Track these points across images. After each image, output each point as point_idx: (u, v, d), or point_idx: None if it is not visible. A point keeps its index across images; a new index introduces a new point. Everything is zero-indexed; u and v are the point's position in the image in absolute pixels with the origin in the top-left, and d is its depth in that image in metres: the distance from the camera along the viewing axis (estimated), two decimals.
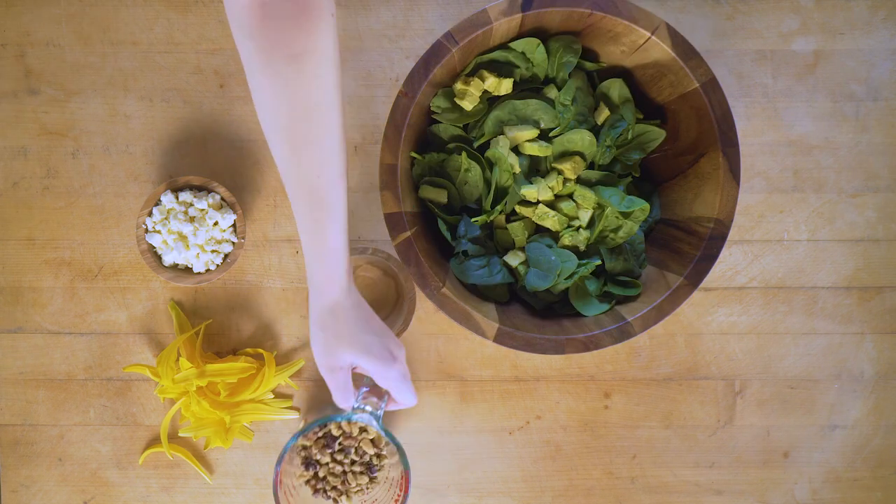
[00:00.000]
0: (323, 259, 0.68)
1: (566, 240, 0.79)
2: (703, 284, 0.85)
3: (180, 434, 0.82)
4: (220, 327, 0.85)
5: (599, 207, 0.78)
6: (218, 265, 0.83)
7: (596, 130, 0.79)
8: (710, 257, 0.73)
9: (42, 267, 0.85)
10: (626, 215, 0.79)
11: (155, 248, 0.82)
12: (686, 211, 0.77)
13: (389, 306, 0.85)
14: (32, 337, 0.85)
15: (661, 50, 0.73)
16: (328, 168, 0.65)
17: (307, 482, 0.78)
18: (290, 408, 0.85)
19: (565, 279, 0.78)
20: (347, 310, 0.70)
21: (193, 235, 0.81)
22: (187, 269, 0.83)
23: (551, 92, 0.78)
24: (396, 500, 0.74)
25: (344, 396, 0.73)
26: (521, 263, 0.78)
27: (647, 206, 0.78)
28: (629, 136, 0.79)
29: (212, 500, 0.86)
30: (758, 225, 0.86)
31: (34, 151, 0.85)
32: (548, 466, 0.86)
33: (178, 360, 0.82)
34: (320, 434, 0.78)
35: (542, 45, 0.77)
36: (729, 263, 0.86)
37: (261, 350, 0.84)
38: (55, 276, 0.85)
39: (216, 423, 0.82)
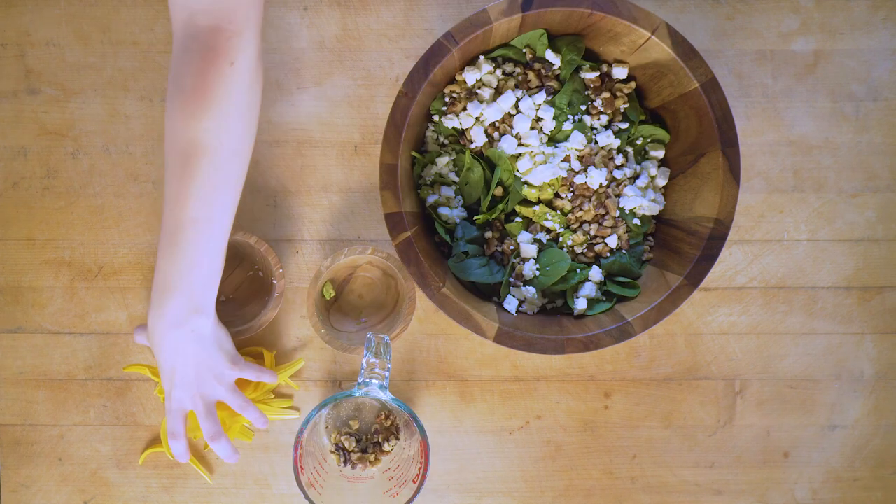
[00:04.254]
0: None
1: (566, 239, 0.79)
2: (703, 284, 0.85)
3: None
4: None
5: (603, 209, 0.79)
6: None
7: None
8: (710, 257, 0.73)
9: (42, 267, 0.85)
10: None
11: None
12: (686, 211, 0.77)
13: (389, 306, 0.85)
14: (32, 337, 0.85)
15: (661, 50, 0.73)
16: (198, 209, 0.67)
17: (332, 452, 0.83)
18: (290, 407, 0.85)
19: (566, 279, 0.78)
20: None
21: None
22: None
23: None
24: (419, 470, 0.76)
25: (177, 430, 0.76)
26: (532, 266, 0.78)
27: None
28: (634, 132, 0.79)
29: (212, 500, 0.86)
30: (758, 225, 0.86)
31: (34, 151, 0.85)
32: (548, 466, 0.86)
33: None
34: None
35: (545, 34, 0.77)
36: (729, 263, 0.86)
37: (261, 349, 0.84)
38: (55, 276, 0.85)
39: None
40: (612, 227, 0.78)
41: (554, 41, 0.78)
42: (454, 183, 0.79)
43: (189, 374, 0.73)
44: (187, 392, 0.74)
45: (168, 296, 0.70)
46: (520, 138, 0.78)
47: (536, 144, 0.78)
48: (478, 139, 0.78)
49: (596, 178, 0.77)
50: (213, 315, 0.73)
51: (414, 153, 0.79)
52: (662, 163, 0.81)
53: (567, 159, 0.78)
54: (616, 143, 0.79)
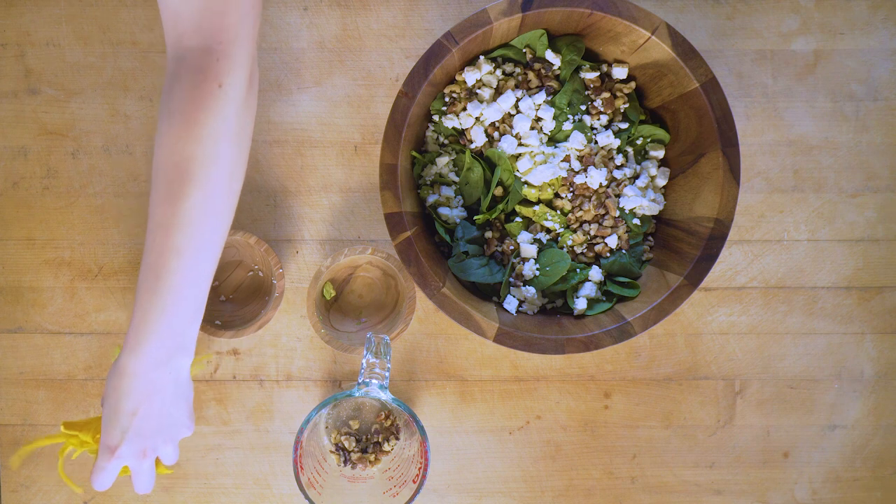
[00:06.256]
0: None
1: (566, 239, 0.79)
2: (703, 284, 0.85)
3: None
4: None
5: (602, 208, 0.79)
6: None
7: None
8: (710, 257, 0.73)
9: (42, 267, 0.85)
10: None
11: None
12: (686, 211, 0.77)
13: (389, 306, 0.85)
14: (32, 337, 0.85)
15: (661, 50, 0.73)
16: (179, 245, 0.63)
17: (332, 452, 0.83)
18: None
19: (566, 279, 0.78)
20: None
21: None
22: None
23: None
24: (419, 470, 0.76)
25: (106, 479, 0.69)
26: (532, 265, 0.78)
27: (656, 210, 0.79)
28: (634, 132, 0.79)
29: (212, 500, 0.86)
30: (758, 225, 0.86)
31: (34, 151, 0.85)
32: (548, 466, 0.86)
33: None
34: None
35: (545, 34, 0.77)
36: (729, 263, 0.86)
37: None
38: (55, 276, 0.85)
39: None
40: (612, 227, 0.78)
41: (554, 41, 0.78)
42: (454, 183, 0.79)
43: (150, 423, 0.68)
44: (136, 445, 0.68)
45: (150, 333, 0.65)
46: (520, 138, 0.78)
47: (536, 144, 0.78)
48: (478, 139, 0.78)
49: (596, 178, 0.77)
50: (193, 356, 0.69)
51: (414, 153, 0.79)
52: (662, 163, 0.81)
53: (567, 159, 0.78)
54: (616, 143, 0.79)
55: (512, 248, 0.78)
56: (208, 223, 0.64)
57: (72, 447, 0.74)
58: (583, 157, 0.78)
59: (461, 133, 0.79)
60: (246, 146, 0.66)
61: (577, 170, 0.78)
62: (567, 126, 0.78)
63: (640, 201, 0.78)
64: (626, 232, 0.79)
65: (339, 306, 0.85)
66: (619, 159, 0.79)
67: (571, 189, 0.79)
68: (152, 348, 0.66)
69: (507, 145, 0.77)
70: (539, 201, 0.80)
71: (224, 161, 0.63)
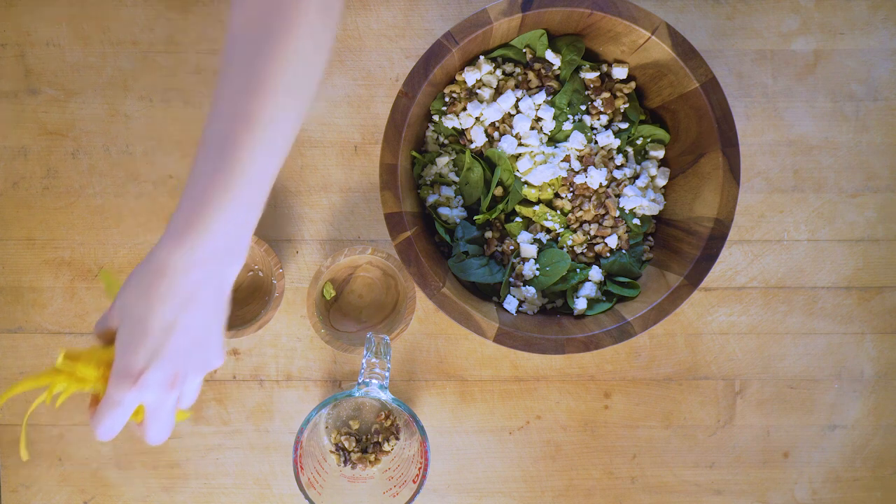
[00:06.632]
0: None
1: (566, 239, 0.79)
2: (703, 284, 0.85)
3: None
4: None
5: (602, 208, 0.79)
6: None
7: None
8: (710, 257, 0.73)
9: (42, 267, 0.85)
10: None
11: None
12: (686, 211, 0.77)
13: (389, 306, 0.85)
14: (32, 337, 0.85)
15: (661, 50, 0.73)
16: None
17: (332, 452, 0.83)
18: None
19: (566, 279, 0.78)
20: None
21: None
22: None
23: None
24: (419, 470, 0.76)
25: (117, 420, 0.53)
26: (532, 265, 0.78)
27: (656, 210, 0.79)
28: (634, 132, 0.79)
29: (212, 500, 0.86)
30: (758, 225, 0.86)
31: (34, 151, 0.85)
32: (548, 466, 0.86)
33: None
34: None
35: (545, 34, 0.77)
36: (729, 263, 0.86)
37: None
38: (55, 276, 0.85)
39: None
40: (612, 227, 0.78)
41: (554, 41, 0.78)
42: (454, 183, 0.79)
43: (187, 341, 0.54)
44: (167, 371, 0.53)
45: (206, 218, 0.52)
46: (520, 138, 0.78)
47: (536, 144, 0.78)
48: (478, 139, 0.78)
49: (596, 178, 0.77)
50: (241, 266, 0.56)
51: (414, 153, 0.79)
52: (662, 163, 0.81)
53: (567, 159, 0.78)
54: (616, 143, 0.79)
55: (512, 248, 0.78)
56: (291, 93, 0.54)
57: (60, 387, 0.56)
58: (583, 157, 0.78)
59: (461, 133, 0.79)
60: (333, 24, 0.55)
61: (577, 170, 0.78)
62: (567, 126, 0.78)
63: (640, 201, 0.78)
64: (626, 232, 0.79)
65: (339, 306, 0.85)
66: (619, 159, 0.79)
67: (571, 189, 0.79)
68: (205, 239, 0.52)
69: (507, 145, 0.77)
70: (539, 201, 0.80)
71: (309, 27, 0.53)
